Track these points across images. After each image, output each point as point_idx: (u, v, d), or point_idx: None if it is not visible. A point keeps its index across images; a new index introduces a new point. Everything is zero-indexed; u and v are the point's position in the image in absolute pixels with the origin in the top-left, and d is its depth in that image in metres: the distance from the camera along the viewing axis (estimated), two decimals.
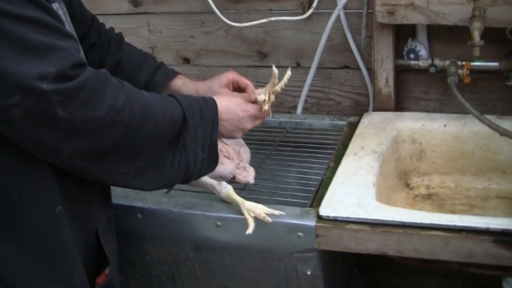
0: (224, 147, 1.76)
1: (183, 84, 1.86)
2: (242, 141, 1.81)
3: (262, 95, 1.61)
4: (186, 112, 1.45)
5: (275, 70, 1.57)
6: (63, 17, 1.47)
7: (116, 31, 2.44)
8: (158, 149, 1.41)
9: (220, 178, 1.68)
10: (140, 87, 1.76)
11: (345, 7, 2.22)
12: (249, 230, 1.58)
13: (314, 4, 2.23)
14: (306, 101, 2.41)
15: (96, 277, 1.53)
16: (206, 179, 1.66)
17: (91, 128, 1.26)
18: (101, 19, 2.47)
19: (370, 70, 2.25)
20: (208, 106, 1.51)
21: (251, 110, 1.60)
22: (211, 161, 1.52)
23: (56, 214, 1.38)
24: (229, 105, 1.56)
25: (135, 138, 1.34)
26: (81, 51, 1.33)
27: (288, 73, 1.60)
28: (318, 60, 2.31)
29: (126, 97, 1.32)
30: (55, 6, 1.44)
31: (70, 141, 1.27)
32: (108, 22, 2.49)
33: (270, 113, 1.65)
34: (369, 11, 2.18)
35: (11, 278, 1.36)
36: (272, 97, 1.61)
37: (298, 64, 2.40)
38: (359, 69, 2.30)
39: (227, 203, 1.68)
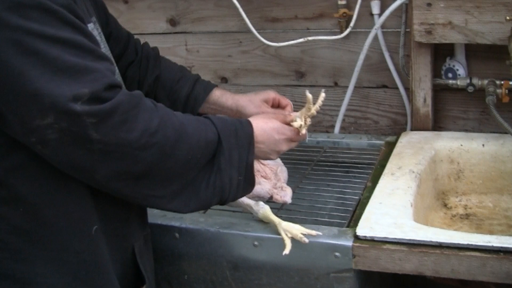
0: (261, 167, 1.77)
1: (222, 95, 1.88)
2: (279, 161, 1.82)
3: (298, 120, 1.59)
4: (221, 135, 1.45)
5: (308, 95, 1.57)
6: (98, 38, 1.49)
7: None
8: (193, 172, 1.41)
9: (258, 198, 1.68)
10: (181, 101, 1.82)
11: (382, 26, 2.22)
12: (286, 251, 1.58)
13: (352, 23, 2.24)
14: (343, 120, 2.41)
15: None
16: (244, 199, 1.67)
17: (125, 150, 1.27)
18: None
19: (408, 89, 2.24)
20: (243, 129, 1.50)
21: (287, 132, 1.58)
22: (247, 183, 1.51)
23: (92, 233, 1.39)
24: (265, 128, 1.54)
25: (170, 161, 1.35)
26: (117, 72, 1.35)
27: (322, 95, 1.58)
28: (356, 79, 2.31)
29: (160, 119, 1.33)
30: (90, 26, 1.46)
31: (104, 163, 1.28)
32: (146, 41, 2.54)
33: (307, 137, 1.63)
34: (407, 30, 2.18)
35: None
36: (308, 121, 1.59)
37: (336, 83, 2.40)
38: (397, 88, 2.30)
39: (264, 223, 1.68)
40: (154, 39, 2.59)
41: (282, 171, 1.80)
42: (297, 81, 2.46)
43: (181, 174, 1.39)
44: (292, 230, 1.60)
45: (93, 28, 1.50)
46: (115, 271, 1.46)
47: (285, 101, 1.86)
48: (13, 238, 1.35)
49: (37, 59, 1.20)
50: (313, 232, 1.60)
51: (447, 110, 2.26)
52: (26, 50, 1.20)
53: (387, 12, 2.14)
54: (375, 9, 2.22)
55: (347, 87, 2.35)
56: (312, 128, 2.47)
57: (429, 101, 2.15)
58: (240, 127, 1.50)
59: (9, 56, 1.19)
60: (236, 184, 1.48)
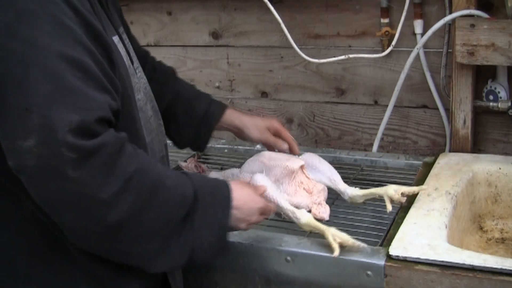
0: (306, 180, 1.80)
1: (232, 114, 1.95)
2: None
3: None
4: (198, 192, 1.40)
5: None
6: (122, 51, 1.48)
7: (195, 63, 2.54)
8: (168, 228, 1.35)
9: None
10: (199, 116, 1.88)
11: (424, 46, 2.22)
12: (336, 253, 1.57)
13: (394, 42, 2.24)
14: (382, 139, 2.41)
15: None
16: (287, 204, 1.68)
17: (98, 194, 1.21)
18: (180, 51, 2.56)
19: (448, 110, 2.23)
20: (220, 189, 1.47)
21: (262, 204, 1.57)
22: (220, 246, 1.46)
23: None
24: (242, 194, 1.52)
25: (144, 213, 1.29)
26: (115, 108, 1.29)
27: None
28: (396, 98, 2.31)
29: (137, 167, 1.27)
30: (116, 39, 1.46)
31: (75, 207, 1.22)
32: (188, 54, 2.59)
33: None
34: (449, 50, 2.18)
35: None
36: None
37: (376, 102, 2.40)
38: (437, 108, 2.30)
39: (298, 238, 1.69)
40: (196, 52, 2.63)
41: (324, 190, 1.82)
42: (338, 98, 2.46)
43: (155, 230, 1.33)
44: (342, 236, 1.60)
45: (118, 41, 1.49)
46: (140, 277, 1.46)
47: (286, 135, 1.94)
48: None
49: (39, 72, 1.18)
50: (360, 244, 1.59)
51: (487, 133, 2.25)
52: (30, 61, 1.18)
53: (430, 32, 2.14)
54: (418, 29, 2.22)
55: (387, 106, 2.34)
56: (350, 146, 2.48)
57: (469, 123, 2.14)
58: (218, 187, 1.48)
59: (11, 64, 1.18)
60: (207, 246, 1.42)
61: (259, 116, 1.99)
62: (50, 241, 1.36)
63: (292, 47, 2.39)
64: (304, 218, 1.68)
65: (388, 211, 1.75)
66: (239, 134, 1.97)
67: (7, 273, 1.38)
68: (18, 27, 1.18)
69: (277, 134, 1.94)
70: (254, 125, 1.91)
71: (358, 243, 1.58)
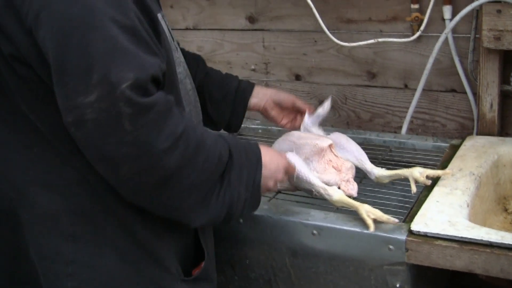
0: (334, 158, 1.86)
1: (264, 89, 2.08)
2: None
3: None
4: (232, 151, 1.51)
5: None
6: (165, 26, 1.57)
7: (232, 46, 2.61)
8: (207, 185, 1.45)
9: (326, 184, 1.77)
10: (232, 92, 1.98)
11: (453, 31, 2.27)
12: (371, 229, 1.65)
13: (422, 27, 2.29)
14: (411, 122, 2.46)
15: (192, 269, 1.62)
16: (318, 181, 1.76)
17: (151, 149, 1.32)
18: (218, 34, 2.64)
19: (476, 94, 2.28)
20: (252, 149, 1.58)
21: (285, 162, 1.69)
22: (253, 201, 1.57)
23: None
24: (267, 153, 1.62)
25: (189, 169, 1.39)
26: (163, 70, 1.39)
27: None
28: (425, 82, 2.36)
29: (185, 127, 1.38)
30: (159, 16, 1.52)
31: (130, 158, 1.31)
32: (225, 37, 2.67)
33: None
34: (477, 36, 2.22)
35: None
36: None
37: (406, 86, 2.46)
38: (465, 93, 2.34)
39: (325, 213, 1.77)
40: (233, 35, 2.71)
41: (352, 168, 1.88)
42: (369, 82, 2.52)
43: (198, 186, 1.43)
44: (376, 212, 1.67)
45: (161, 18, 1.56)
46: (176, 245, 1.55)
47: (303, 106, 2.05)
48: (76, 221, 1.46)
49: (97, 34, 1.26)
50: (392, 219, 1.66)
51: None
52: (89, 24, 1.26)
53: (458, 17, 2.19)
54: (447, 14, 2.26)
55: (416, 89, 2.39)
56: (380, 128, 2.54)
57: (495, 106, 2.19)
58: (250, 147, 1.58)
59: (72, 26, 1.26)
60: (243, 201, 1.52)
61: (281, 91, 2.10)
62: (95, 201, 1.45)
63: (325, 32, 2.45)
64: (337, 195, 1.75)
65: (412, 192, 1.81)
66: (272, 99, 2.07)
67: (52, 229, 1.45)
68: None
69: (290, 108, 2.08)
70: (275, 93, 2.07)
71: (392, 218, 1.65)
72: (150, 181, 1.36)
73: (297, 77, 2.66)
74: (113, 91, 1.25)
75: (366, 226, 1.66)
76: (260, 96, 2.03)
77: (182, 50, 1.91)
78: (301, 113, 2.07)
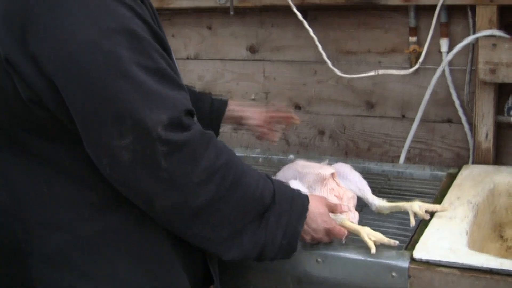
0: (337, 187, 1.91)
1: (233, 107, 2.07)
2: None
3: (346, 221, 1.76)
4: (276, 195, 1.52)
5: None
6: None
7: (233, 75, 2.68)
8: (242, 221, 1.47)
9: None
10: (204, 114, 1.94)
11: (450, 63, 2.33)
12: (373, 250, 1.69)
13: (421, 59, 2.36)
14: (409, 151, 2.51)
15: None
16: None
17: (186, 183, 1.35)
18: (219, 63, 2.70)
19: (471, 125, 2.34)
20: (301, 198, 1.59)
21: (329, 225, 1.67)
22: (289, 249, 1.57)
23: (164, 235, 1.49)
24: (315, 210, 1.63)
25: (223, 203, 1.42)
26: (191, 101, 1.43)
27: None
28: (422, 112, 2.42)
29: (226, 160, 1.41)
30: (172, 55, 1.55)
31: (166, 192, 1.35)
32: (226, 66, 2.72)
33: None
34: (473, 68, 2.29)
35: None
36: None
37: (403, 116, 2.52)
38: (461, 123, 2.41)
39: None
40: (234, 65, 2.76)
41: (354, 198, 1.92)
42: (367, 112, 2.58)
43: (231, 221, 1.46)
44: (376, 235, 1.72)
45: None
46: (186, 270, 1.55)
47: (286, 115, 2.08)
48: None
49: (124, 81, 1.27)
50: (392, 241, 1.71)
51: (508, 147, 2.35)
52: (116, 73, 1.27)
53: (455, 51, 2.26)
54: (444, 47, 2.34)
55: (413, 119, 2.45)
56: (378, 158, 2.59)
57: (491, 136, 2.25)
58: (298, 196, 1.59)
59: (99, 77, 1.27)
60: (278, 245, 1.53)
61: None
62: (106, 238, 1.45)
63: (325, 63, 2.51)
64: (339, 219, 1.78)
65: (411, 225, 1.85)
66: (240, 121, 2.10)
67: (62, 267, 1.45)
68: (101, 43, 1.27)
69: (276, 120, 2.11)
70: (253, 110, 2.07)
71: (392, 240, 1.70)
72: (184, 212, 1.40)
73: (297, 107, 2.71)
74: (149, 134, 1.28)
75: (368, 249, 1.70)
76: (229, 118, 2.07)
77: None
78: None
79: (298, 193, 1.61)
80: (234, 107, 2.07)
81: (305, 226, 1.61)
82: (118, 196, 1.40)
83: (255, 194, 1.48)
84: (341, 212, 1.75)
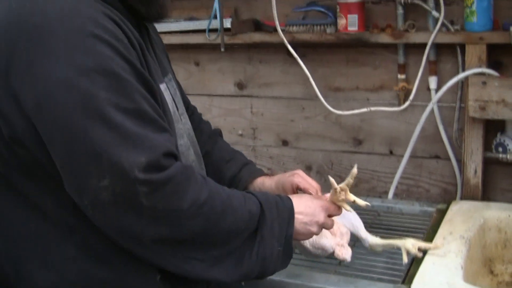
0: None
1: (264, 182, 1.91)
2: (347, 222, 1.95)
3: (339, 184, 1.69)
4: (264, 207, 1.51)
5: (354, 171, 1.64)
6: (168, 98, 1.57)
7: (220, 111, 2.66)
8: (236, 242, 1.47)
9: (322, 250, 1.81)
10: (225, 181, 1.87)
11: (438, 100, 2.37)
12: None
13: (411, 97, 2.39)
14: (397, 187, 2.54)
15: None
16: (327, 243, 1.81)
17: (173, 218, 1.33)
18: (206, 99, 2.72)
19: (459, 161, 2.38)
20: (283, 202, 1.58)
21: (323, 203, 1.65)
22: (286, 255, 1.57)
23: (158, 281, 1.46)
24: (301, 201, 1.62)
25: (214, 230, 1.41)
26: (175, 143, 1.43)
27: (355, 170, 1.65)
28: (411, 149, 2.45)
29: (209, 192, 1.39)
30: (163, 87, 1.55)
31: (151, 227, 1.32)
32: (213, 102, 2.74)
33: (344, 210, 1.71)
34: (462, 105, 2.33)
35: None
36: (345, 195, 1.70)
37: (391, 152, 2.55)
38: (448, 159, 2.44)
39: (326, 276, 1.83)
40: (222, 101, 2.78)
41: (347, 233, 1.93)
42: (355, 148, 2.61)
43: (224, 242, 1.44)
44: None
45: (166, 88, 1.58)
46: None
47: (313, 183, 1.88)
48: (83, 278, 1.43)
49: (101, 123, 1.25)
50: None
51: (496, 183, 2.38)
52: (92, 114, 1.25)
53: (444, 88, 2.30)
54: (433, 84, 2.38)
55: (401, 155, 2.48)
56: (366, 193, 2.61)
57: (479, 172, 2.28)
58: (280, 200, 1.58)
59: (75, 117, 1.25)
60: (276, 255, 1.53)
61: (281, 172, 1.99)
62: (93, 276, 1.43)
63: (313, 99, 2.55)
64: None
65: (404, 262, 1.84)
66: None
67: None
68: (79, 83, 1.25)
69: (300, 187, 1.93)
70: (278, 180, 1.89)
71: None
72: (176, 246, 1.38)
73: (284, 143, 2.73)
74: (126, 176, 1.26)
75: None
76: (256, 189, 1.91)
77: (194, 115, 1.95)
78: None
79: (280, 197, 1.60)
80: (264, 182, 1.92)
81: (303, 219, 1.60)
82: (104, 240, 1.39)
83: (244, 215, 1.47)
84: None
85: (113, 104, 1.26)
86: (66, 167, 1.29)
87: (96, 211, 1.31)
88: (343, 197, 1.66)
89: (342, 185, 1.65)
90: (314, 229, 1.63)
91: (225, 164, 1.92)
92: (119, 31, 1.33)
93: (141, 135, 1.29)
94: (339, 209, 1.69)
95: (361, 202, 1.66)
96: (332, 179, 1.65)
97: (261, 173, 1.94)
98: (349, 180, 1.64)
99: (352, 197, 1.66)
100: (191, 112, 1.98)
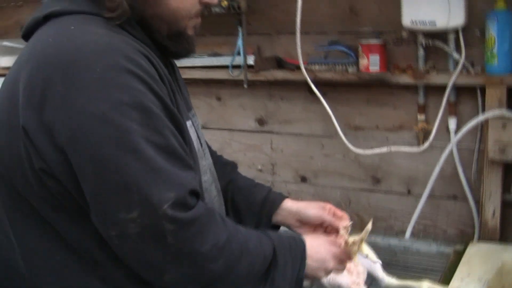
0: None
1: (292, 204, 1.89)
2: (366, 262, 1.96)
3: (351, 238, 1.69)
4: (277, 250, 1.51)
5: (369, 227, 1.65)
6: (193, 135, 1.58)
7: (240, 146, 2.68)
8: (250, 284, 1.47)
9: (338, 287, 1.82)
10: (258, 203, 1.87)
11: (458, 142, 2.38)
12: None
13: (430, 138, 2.41)
14: (414, 226, 2.54)
15: None
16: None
17: (195, 260, 1.34)
18: (227, 134, 2.73)
19: (477, 202, 2.39)
20: (297, 244, 1.57)
21: (335, 250, 1.64)
22: None
23: None
24: (313, 244, 1.61)
25: (233, 274, 1.40)
26: (199, 181, 1.45)
27: (369, 226, 1.66)
28: (429, 189, 2.46)
29: (228, 235, 1.40)
30: (189, 124, 1.56)
31: (175, 266, 1.34)
32: (234, 137, 2.77)
33: (356, 259, 1.70)
34: (481, 147, 2.35)
35: None
36: (363, 248, 1.71)
37: (409, 191, 2.56)
38: (466, 200, 2.44)
39: None
40: (242, 136, 2.81)
41: (364, 272, 1.93)
42: (373, 186, 2.63)
43: (242, 284, 1.45)
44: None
45: (191, 125, 1.59)
46: None
47: (339, 212, 1.87)
48: None
49: (133, 156, 1.27)
50: None
51: None
52: (125, 147, 1.27)
53: (464, 130, 2.31)
54: (452, 125, 2.40)
55: (419, 195, 2.49)
56: (382, 232, 2.61)
57: (497, 214, 2.29)
58: (294, 243, 1.58)
59: (108, 149, 1.27)
60: None
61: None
62: None
63: (332, 136, 2.58)
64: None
65: None
66: (298, 218, 1.88)
67: None
68: (113, 116, 1.27)
69: (330, 214, 1.91)
70: (310, 205, 1.89)
71: None
72: (194, 284, 1.39)
73: (303, 179, 2.75)
74: (155, 210, 1.28)
75: None
76: (284, 214, 1.88)
77: (213, 155, 1.93)
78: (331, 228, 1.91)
79: (294, 239, 1.60)
80: (291, 203, 1.91)
81: (312, 265, 1.59)
82: (128, 275, 1.41)
83: (259, 257, 1.48)
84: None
85: (145, 138, 1.29)
86: (96, 197, 1.31)
87: (123, 243, 1.32)
88: (355, 248, 1.66)
89: (356, 238, 1.66)
90: (321, 274, 1.64)
91: (254, 188, 1.93)
92: (151, 67, 1.36)
93: (171, 171, 1.31)
94: (350, 258, 1.69)
95: (373, 258, 1.68)
96: (343, 232, 1.68)
97: (285, 196, 1.93)
98: (363, 235, 1.65)
99: (365, 250, 1.68)
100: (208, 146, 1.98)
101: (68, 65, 1.31)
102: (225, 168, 1.94)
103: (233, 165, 1.99)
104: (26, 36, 1.47)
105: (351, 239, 1.66)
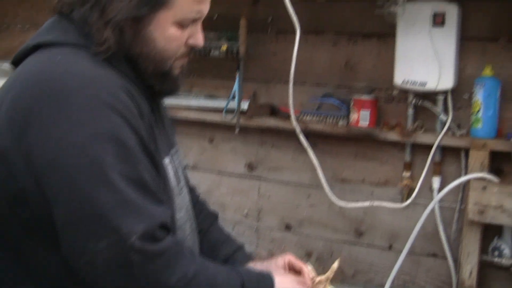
0: None
1: (256, 266, 1.86)
2: None
3: (318, 277, 1.69)
4: (246, 285, 1.49)
5: (335, 266, 1.67)
6: (170, 172, 1.59)
7: (228, 189, 2.69)
8: None
9: None
10: (219, 259, 1.83)
11: (440, 201, 2.44)
12: None
13: (414, 195, 2.47)
14: (393, 281, 2.56)
15: None
16: None
17: None
18: (216, 176, 2.76)
19: (455, 261, 2.43)
20: (265, 280, 1.57)
21: (300, 283, 1.65)
22: None
23: None
24: (281, 281, 1.60)
25: None
26: (171, 216, 1.46)
27: (336, 264, 1.68)
28: (410, 245, 2.49)
29: (197, 268, 1.40)
30: (167, 160, 1.58)
31: None
32: (223, 180, 2.81)
33: None
34: (462, 206, 2.41)
35: None
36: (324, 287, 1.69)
37: (390, 246, 2.61)
38: (445, 258, 2.49)
39: None
40: (231, 180, 2.86)
41: None
42: (356, 239, 2.67)
43: None
44: None
45: (168, 163, 1.59)
46: None
47: (298, 265, 1.80)
48: None
49: (105, 188, 1.28)
50: None
51: (490, 286, 2.42)
52: (98, 178, 1.28)
53: (447, 189, 2.37)
54: (436, 184, 2.46)
55: (400, 251, 2.51)
56: (362, 285, 2.64)
57: (474, 274, 2.33)
58: (262, 279, 1.56)
59: (82, 178, 1.28)
60: None
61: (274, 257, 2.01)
62: None
63: (319, 187, 2.62)
64: None
65: None
66: None
67: None
68: (89, 147, 1.30)
69: (290, 268, 1.86)
70: (274, 263, 1.83)
71: None
72: None
73: (287, 227, 2.79)
74: (123, 241, 1.28)
75: None
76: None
77: (197, 199, 1.94)
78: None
79: (262, 275, 1.59)
80: (256, 266, 1.86)
81: None
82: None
83: None
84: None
85: (118, 171, 1.30)
86: (66, 226, 1.32)
87: (90, 273, 1.33)
88: (322, 287, 1.68)
89: (322, 278, 1.68)
90: None
91: (221, 245, 1.92)
92: (131, 103, 1.40)
93: (141, 204, 1.32)
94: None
95: None
96: (311, 268, 1.69)
97: (252, 258, 1.92)
98: (329, 274, 1.67)
99: None
100: (192, 188, 1.98)
101: (51, 93, 1.34)
102: (205, 220, 1.94)
103: (213, 217, 1.98)
104: (16, 63, 1.50)
105: (318, 278, 1.68)
